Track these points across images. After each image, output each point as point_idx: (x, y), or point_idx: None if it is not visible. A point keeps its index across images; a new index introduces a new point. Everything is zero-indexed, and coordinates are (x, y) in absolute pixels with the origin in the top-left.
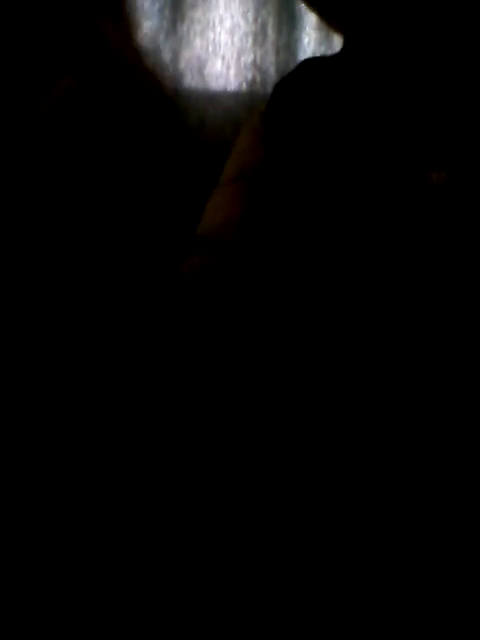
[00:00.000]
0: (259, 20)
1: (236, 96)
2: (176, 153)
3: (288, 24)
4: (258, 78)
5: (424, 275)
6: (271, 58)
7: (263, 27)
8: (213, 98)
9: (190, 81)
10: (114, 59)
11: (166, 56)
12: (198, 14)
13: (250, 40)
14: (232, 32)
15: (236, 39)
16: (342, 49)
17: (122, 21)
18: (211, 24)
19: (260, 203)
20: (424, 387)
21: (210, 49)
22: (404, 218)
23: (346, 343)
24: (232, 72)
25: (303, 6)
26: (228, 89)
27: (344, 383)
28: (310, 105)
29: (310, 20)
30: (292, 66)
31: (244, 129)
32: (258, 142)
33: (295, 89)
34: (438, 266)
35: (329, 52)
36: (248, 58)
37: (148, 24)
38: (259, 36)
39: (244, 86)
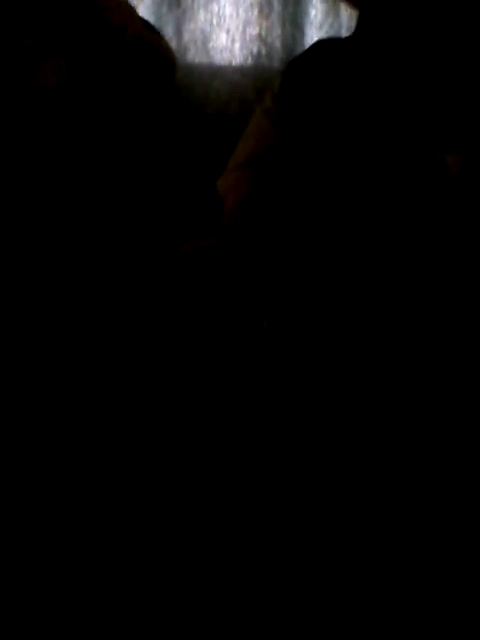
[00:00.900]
0: None
1: (241, 70)
2: (179, 128)
3: None
4: (263, 51)
5: (437, 257)
6: (277, 31)
7: None
8: (218, 72)
9: (194, 55)
10: (107, 29)
11: (169, 29)
12: None
13: (255, 12)
14: (237, 4)
15: (241, 11)
16: (355, 30)
17: None
18: None
19: (273, 185)
20: (430, 367)
21: (214, 22)
22: (418, 200)
23: (354, 324)
24: (237, 45)
25: None
26: (233, 63)
27: (351, 365)
28: (324, 87)
29: None
30: (298, 39)
31: (256, 112)
32: (270, 126)
33: (309, 70)
34: (451, 248)
35: (336, 24)
36: (253, 31)
37: None
38: (264, 8)
39: (249, 60)
